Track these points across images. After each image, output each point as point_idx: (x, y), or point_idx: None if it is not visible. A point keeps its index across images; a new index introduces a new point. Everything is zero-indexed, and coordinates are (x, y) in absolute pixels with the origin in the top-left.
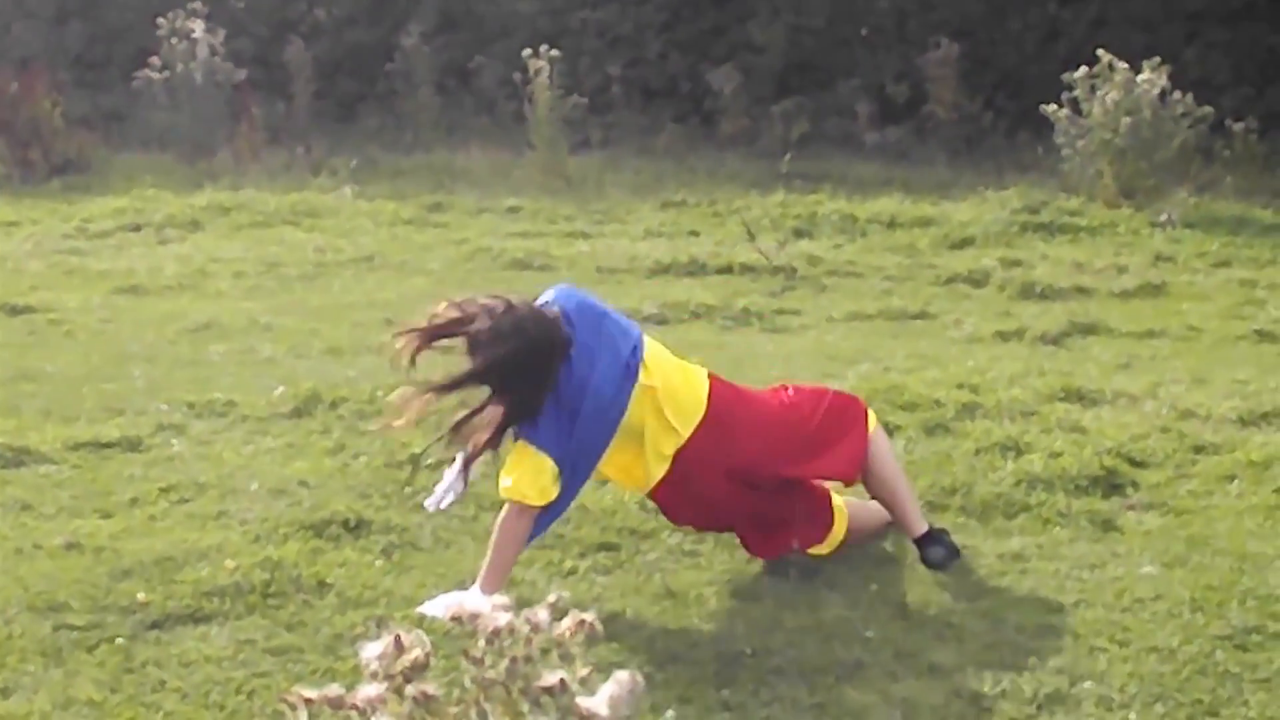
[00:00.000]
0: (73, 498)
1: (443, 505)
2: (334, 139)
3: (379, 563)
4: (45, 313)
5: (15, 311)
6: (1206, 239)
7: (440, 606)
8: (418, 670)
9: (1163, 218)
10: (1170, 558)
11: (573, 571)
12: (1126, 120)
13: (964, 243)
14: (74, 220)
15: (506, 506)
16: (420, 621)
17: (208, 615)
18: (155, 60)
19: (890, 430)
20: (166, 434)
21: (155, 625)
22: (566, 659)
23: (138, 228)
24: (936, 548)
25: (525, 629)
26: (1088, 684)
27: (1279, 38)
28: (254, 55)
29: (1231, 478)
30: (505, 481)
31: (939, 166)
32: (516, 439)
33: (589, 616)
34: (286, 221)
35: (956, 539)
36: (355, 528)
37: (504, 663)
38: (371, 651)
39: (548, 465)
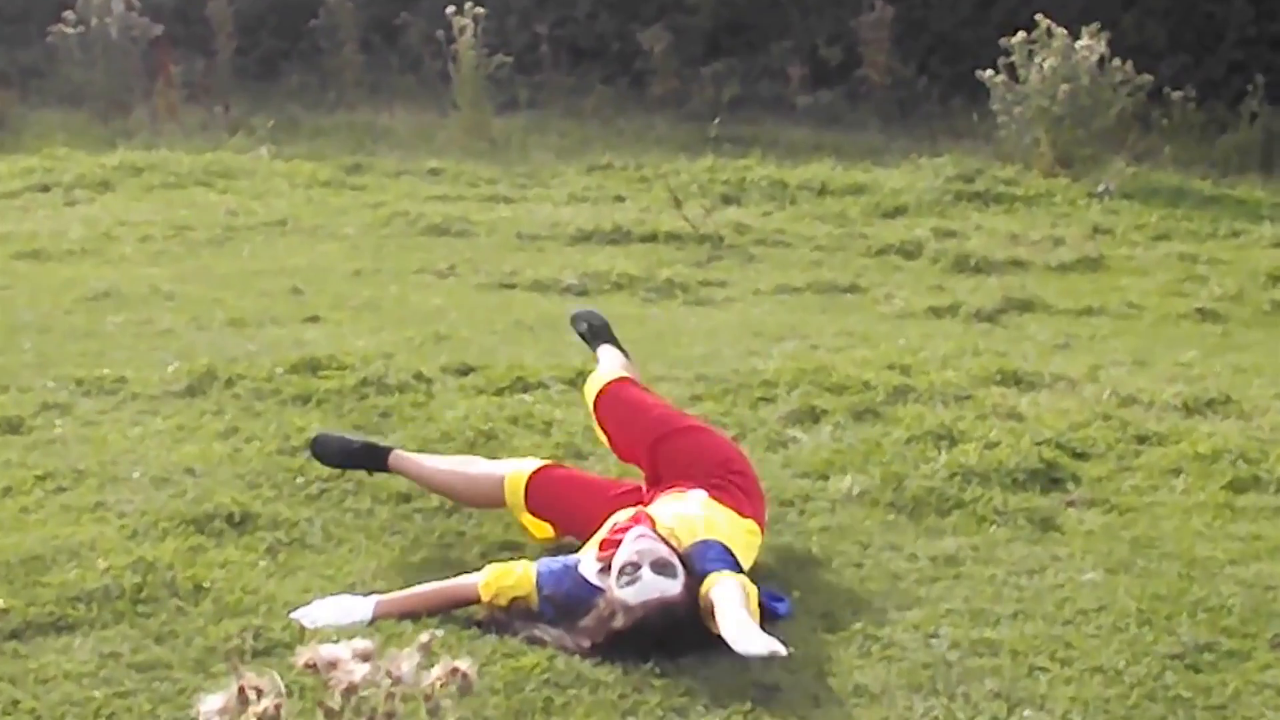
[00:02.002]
0: None
1: None
2: (255, 98)
3: (263, 563)
4: None
5: None
6: (1145, 210)
7: (321, 613)
8: None
9: (1100, 188)
10: (1114, 562)
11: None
12: (1064, 87)
13: (896, 211)
14: None
15: (471, 584)
16: (299, 635)
17: (71, 624)
18: (70, 14)
19: (817, 415)
20: (50, 414)
21: (14, 635)
22: (435, 714)
23: (46, 188)
24: None
25: (386, 683)
26: (1027, 712)
27: (1217, 5)
28: (173, 9)
29: (1177, 471)
30: (485, 576)
31: (872, 132)
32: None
33: (463, 665)
34: (199, 183)
35: (887, 539)
36: (240, 522)
37: None
38: (211, 706)
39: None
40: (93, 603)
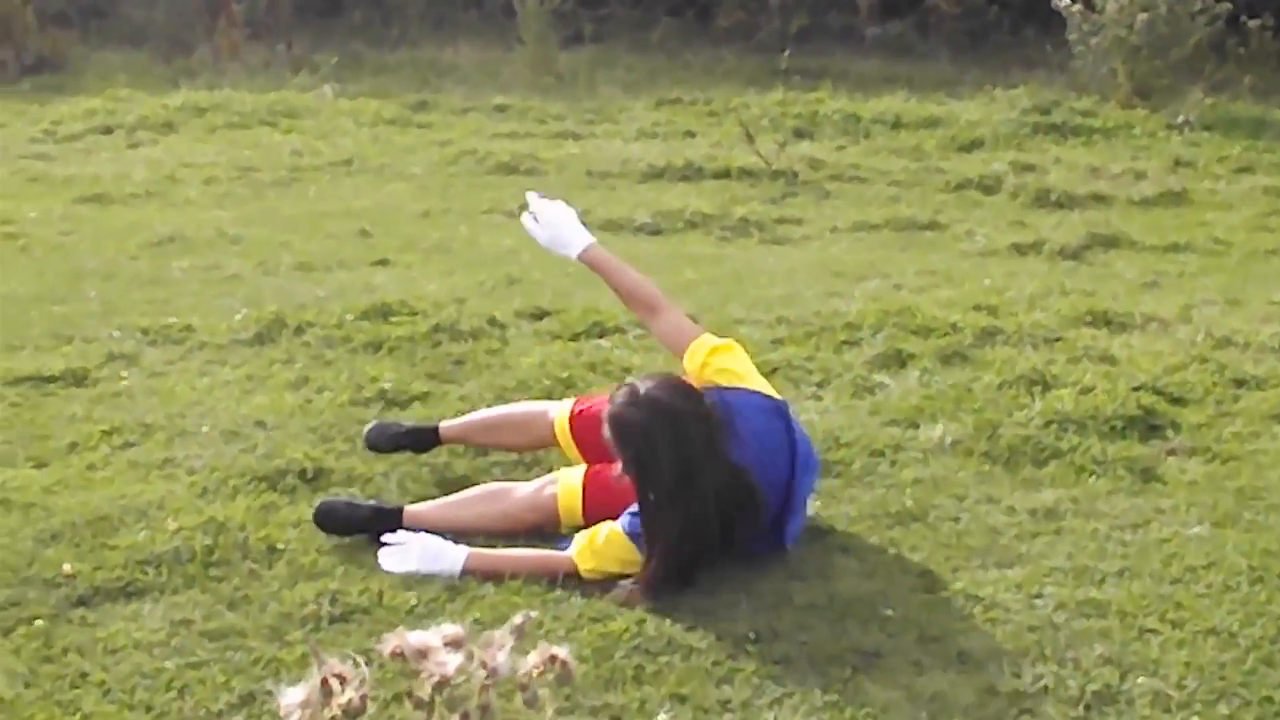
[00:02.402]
0: (6, 442)
1: None
2: (317, 34)
3: None
4: (2, 224)
5: None
6: (1226, 143)
7: (410, 558)
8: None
9: (1180, 119)
10: (1220, 515)
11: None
12: (1142, 16)
13: (973, 145)
14: (43, 123)
15: (565, 557)
16: (378, 599)
17: (141, 590)
18: None
19: (904, 359)
20: (116, 365)
21: (81, 602)
22: (532, 704)
23: (109, 130)
24: None
25: (480, 675)
26: (1140, 678)
27: None
28: None
29: (1278, 417)
30: (583, 557)
31: (942, 63)
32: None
33: (560, 652)
34: (264, 122)
35: (984, 491)
36: (313, 478)
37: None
38: (293, 699)
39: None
40: (162, 566)
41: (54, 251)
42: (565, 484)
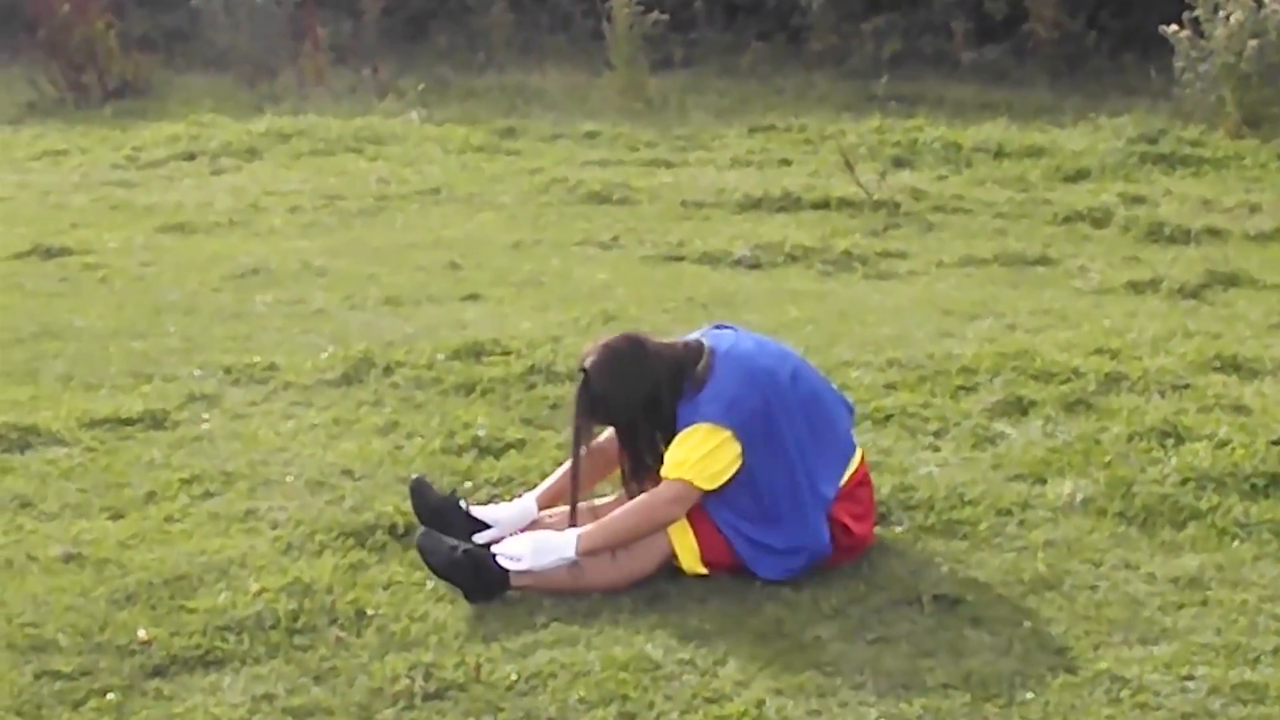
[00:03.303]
0: (80, 491)
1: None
2: (403, 59)
3: (430, 583)
4: (82, 255)
5: (50, 254)
6: None
7: (525, 556)
8: None
9: None
10: None
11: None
12: (1252, 43)
13: (1079, 175)
14: (125, 149)
15: (664, 486)
16: (475, 674)
17: (220, 659)
18: None
19: (1025, 407)
20: (197, 406)
21: (156, 672)
22: None
23: (192, 156)
24: None
25: None
26: None
27: None
28: None
29: None
30: (674, 456)
31: (1040, 89)
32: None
33: None
34: (349, 149)
35: (1121, 555)
36: (404, 534)
37: None
38: None
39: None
40: (244, 633)
41: (134, 283)
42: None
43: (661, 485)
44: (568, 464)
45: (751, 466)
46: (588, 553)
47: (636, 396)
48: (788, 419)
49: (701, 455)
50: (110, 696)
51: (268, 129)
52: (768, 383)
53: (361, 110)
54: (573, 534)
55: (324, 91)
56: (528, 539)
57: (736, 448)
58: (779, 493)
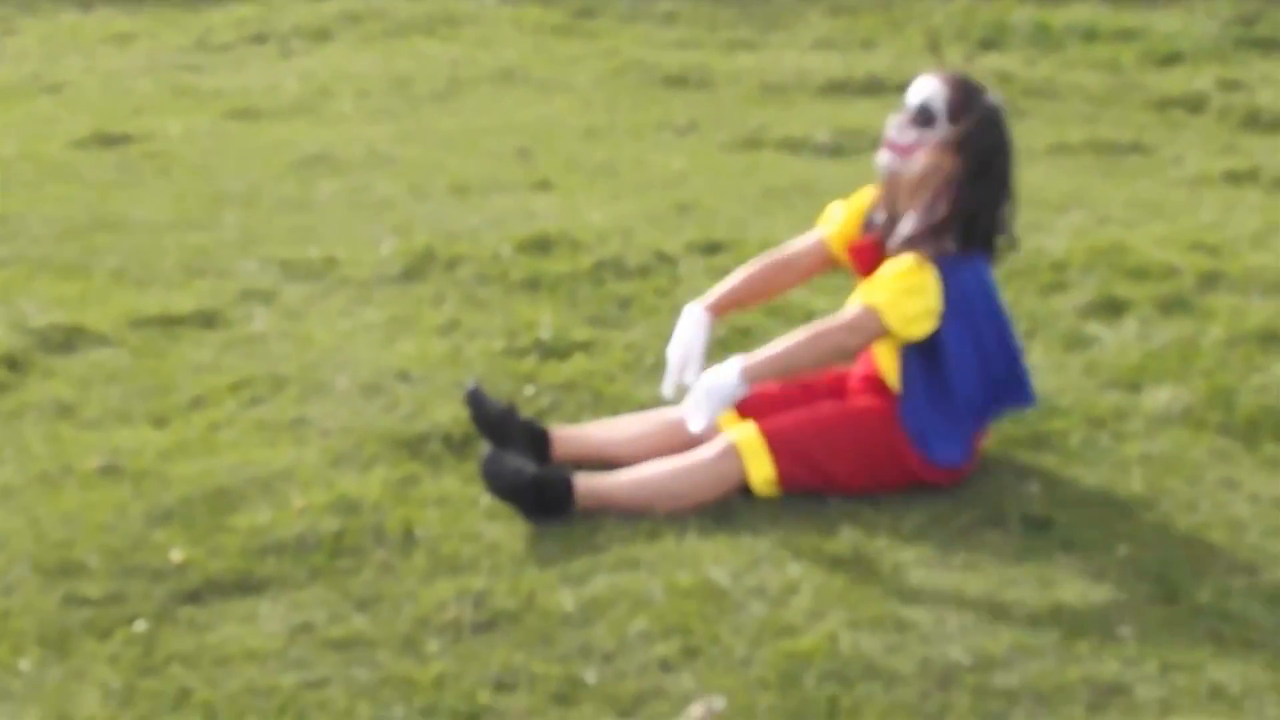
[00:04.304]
0: (123, 396)
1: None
2: None
3: (486, 500)
4: (143, 142)
5: (110, 142)
6: None
7: (708, 410)
8: None
9: None
10: None
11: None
12: None
13: (1172, 59)
14: (194, 32)
15: (848, 310)
16: (529, 600)
17: (258, 584)
18: None
19: (1119, 307)
20: (250, 304)
21: (189, 598)
22: None
23: (261, 38)
24: None
25: None
26: None
27: None
28: None
29: None
30: (870, 292)
31: None
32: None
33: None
34: (422, 31)
35: (1222, 473)
36: (461, 445)
37: None
38: None
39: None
40: (285, 555)
41: (195, 172)
42: (743, 444)
43: (846, 310)
44: (745, 268)
45: (946, 341)
46: (755, 380)
47: (994, 163)
48: (995, 322)
49: (902, 289)
50: (138, 626)
51: (340, 10)
52: (989, 281)
53: None
54: (735, 367)
55: None
56: (699, 387)
57: (936, 300)
58: (969, 385)
